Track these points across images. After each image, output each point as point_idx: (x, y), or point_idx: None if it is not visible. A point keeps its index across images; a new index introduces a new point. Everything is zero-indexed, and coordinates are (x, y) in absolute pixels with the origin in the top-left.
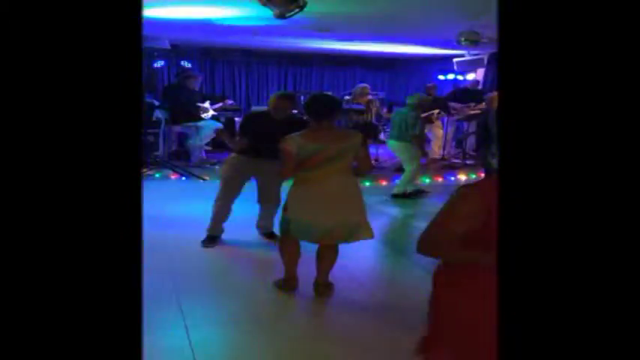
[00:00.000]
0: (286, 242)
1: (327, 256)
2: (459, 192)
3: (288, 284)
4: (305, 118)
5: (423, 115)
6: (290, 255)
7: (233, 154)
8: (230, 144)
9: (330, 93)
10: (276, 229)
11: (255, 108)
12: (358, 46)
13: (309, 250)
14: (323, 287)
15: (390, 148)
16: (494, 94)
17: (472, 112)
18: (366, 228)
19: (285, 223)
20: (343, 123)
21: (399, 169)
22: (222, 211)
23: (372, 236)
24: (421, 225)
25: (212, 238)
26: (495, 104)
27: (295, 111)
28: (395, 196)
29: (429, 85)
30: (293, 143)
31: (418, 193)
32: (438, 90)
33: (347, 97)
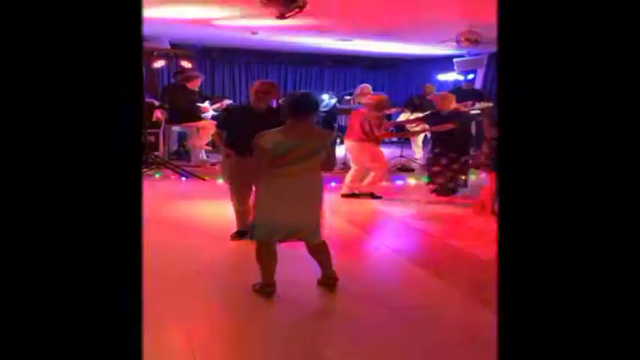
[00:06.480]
0: (261, 249)
1: (319, 251)
2: None
3: (264, 290)
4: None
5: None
6: (266, 261)
7: (222, 156)
8: (221, 145)
9: (310, 92)
10: None
11: None
12: (358, 46)
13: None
14: (334, 279)
15: (347, 148)
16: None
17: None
18: (320, 231)
19: (253, 229)
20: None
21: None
22: (240, 210)
23: (322, 242)
24: (421, 225)
25: (240, 233)
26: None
27: (275, 102)
28: (344, 196)
29: (426, 84)
30: (269, 139)
31: (370, 196)
32: (437, 90)
33: (347, 97)
